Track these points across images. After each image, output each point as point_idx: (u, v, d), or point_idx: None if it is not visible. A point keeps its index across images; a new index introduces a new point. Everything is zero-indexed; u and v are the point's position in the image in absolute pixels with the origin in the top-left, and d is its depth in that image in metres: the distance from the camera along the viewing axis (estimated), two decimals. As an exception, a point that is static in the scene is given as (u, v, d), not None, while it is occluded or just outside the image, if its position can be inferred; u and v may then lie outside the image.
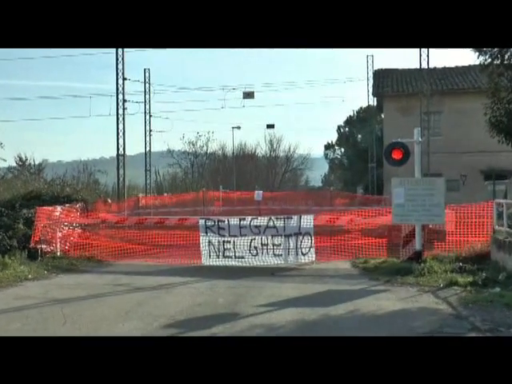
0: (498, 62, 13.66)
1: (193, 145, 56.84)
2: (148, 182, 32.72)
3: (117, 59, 27.03)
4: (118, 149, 27.89)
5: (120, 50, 26.41)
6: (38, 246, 13.57)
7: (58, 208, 14.96)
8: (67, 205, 15.57)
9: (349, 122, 45.06)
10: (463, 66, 30.70)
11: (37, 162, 40.51)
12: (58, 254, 13.94)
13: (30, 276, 11.43)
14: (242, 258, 12.51)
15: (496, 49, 13.05)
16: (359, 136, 42.26)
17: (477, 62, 14.40)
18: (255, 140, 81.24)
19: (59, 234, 14.32)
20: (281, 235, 12.40)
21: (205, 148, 58.02)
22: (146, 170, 32.54)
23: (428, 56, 26.65)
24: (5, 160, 24.60)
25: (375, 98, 32.99)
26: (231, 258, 12.59)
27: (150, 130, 32.89)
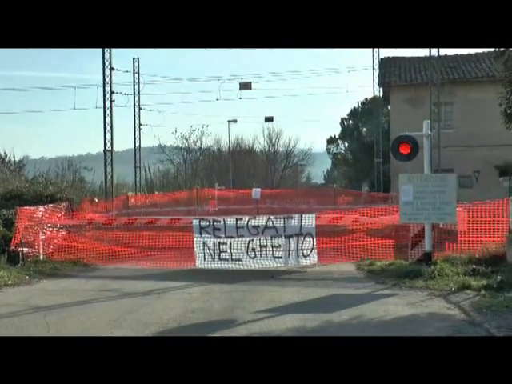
0: (514, 48, 13.62)
1: (186, 139, 56.80)
2: (138, 179, 32.75)
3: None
4: (105, 144, 27.95)
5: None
6: (19, 249, 13.53)
7: (41, 208, 14.92)
8: (50, 205, 15.53)
9: (353, 114, 45.17)
10: (476, 53, 30.72)
11: (17, 159, 40.40)
12: (41, 257, 13.91)
13: (9, 282, 11.40)
14: (239, 260, 12.51)
15: None
16: (364, 129, 42.39)
17: (491, 49, 14.39)
18: (253, 134, 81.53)
19: (42, 236, 14.28)
20: (281, 236, 12.40)
21: (199, 143, 58.05)
22: (135, 167, 32.55)
23: (438, 43, 26.65)
24: None
25: (381, 89, 33.01)
26: (227, 260, 12.58)
27: (140, 124, 32.90)
